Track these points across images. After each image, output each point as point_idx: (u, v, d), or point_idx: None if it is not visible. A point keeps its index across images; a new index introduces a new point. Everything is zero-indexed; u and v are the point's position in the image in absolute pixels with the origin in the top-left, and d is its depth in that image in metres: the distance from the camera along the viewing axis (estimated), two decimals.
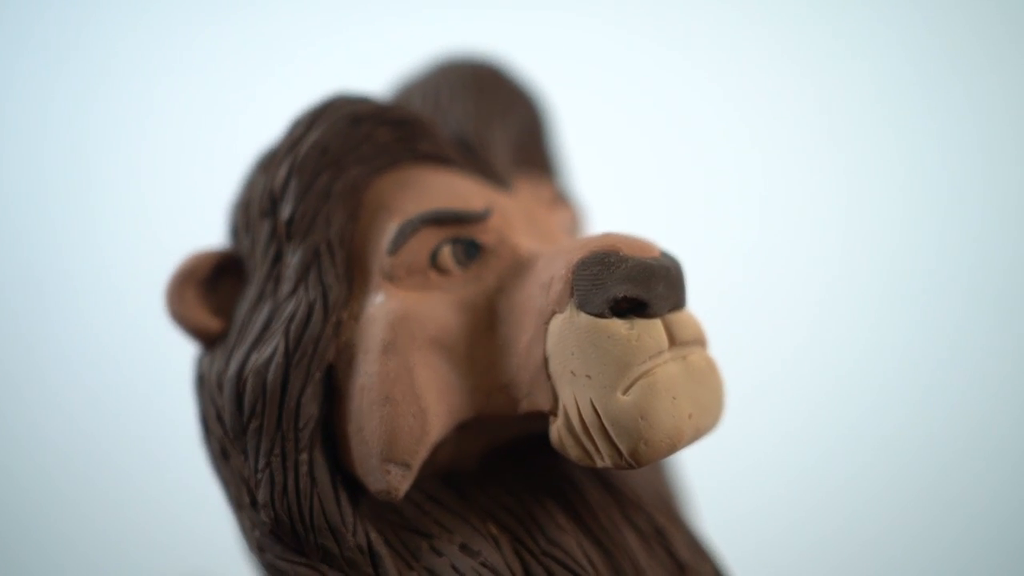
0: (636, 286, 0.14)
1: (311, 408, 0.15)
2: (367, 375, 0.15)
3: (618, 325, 0.14)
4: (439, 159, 0.17)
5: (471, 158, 0.17)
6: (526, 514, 0.16)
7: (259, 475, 0.15)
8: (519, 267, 0.16)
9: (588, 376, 0.14)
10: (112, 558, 0.52)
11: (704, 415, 0.15)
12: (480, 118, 0.18)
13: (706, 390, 0.15)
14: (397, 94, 0.19)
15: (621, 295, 0.14)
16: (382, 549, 0.15)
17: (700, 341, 0.15)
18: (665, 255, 0.15)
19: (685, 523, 0.17)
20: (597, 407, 0.14)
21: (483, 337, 0.16)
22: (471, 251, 0.16)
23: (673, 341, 0.15)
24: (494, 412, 0.15)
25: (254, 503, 0.15)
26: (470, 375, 0.15)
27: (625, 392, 0.14)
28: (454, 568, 0.15)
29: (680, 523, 0.17)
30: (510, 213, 0.17)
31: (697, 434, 0.15)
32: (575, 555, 0.15)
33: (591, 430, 0.14)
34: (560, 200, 0.18)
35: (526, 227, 0.17)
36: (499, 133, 0.18)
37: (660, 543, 0.16)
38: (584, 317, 0.14)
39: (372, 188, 0.16)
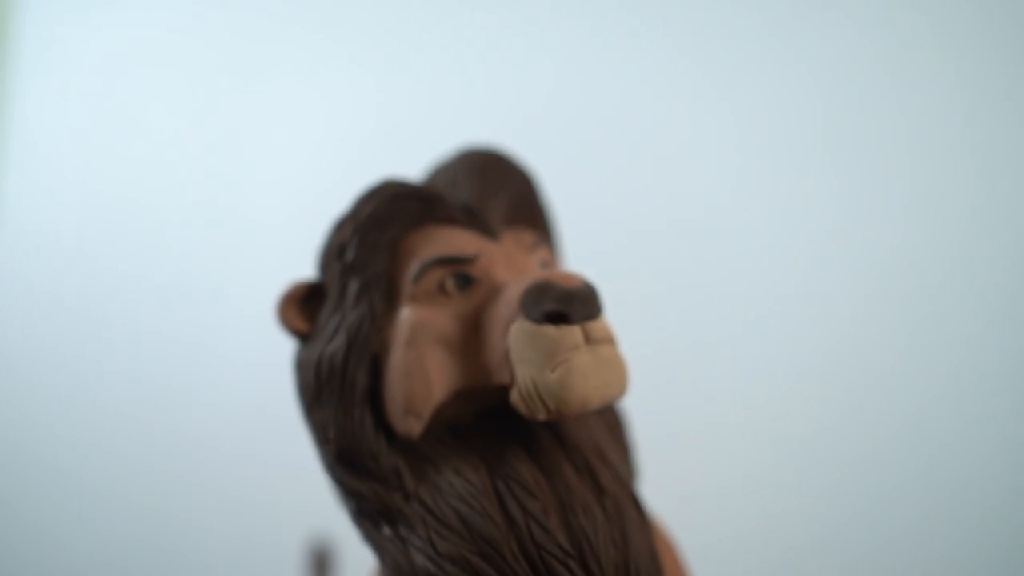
0: (560, 303, 0.23)
1: (362, 380, 0.24)
2: (396, 359, 0.24)
3: (549, 329, 0.23)
4: (450, 220, 0.26)
5: (473, 219, 0.26)
6: (498, 451, 0.24)
7: (329, 422, 0.24)
8: (495, 291, 0.25)
9: (530, 361, 0.23)
10: (250, 521, 0.63)
11: (608, 388, 0.23)
12: (480, 192, 0.27)
13: (610, 371, 0.23)
14: (430, 173, 0.28)
15: (550, 309, 0.23)
16: (404, 469, 0.24)
17: (609, 340, 0.23)
18: (585, 284, 0.23)
19: (615, 466, 0.25)
20: (535, 381, 0.23)
21: (472, 336, 0.24)
22: (465, 281, 0.25)
23: (588, 339, 0.23)
24: (478, 384, 0.24)
25: (327, 440, 0.24)
26: (462, 360, 0.24)
27: (552, 371, 0.22)
28: (448, 482, 0.23)
29: (609, 464, 0.25)
30: (495, 256, 0.25)
31: (604, 400, 0.23)
32: (527, 477, 0.23)
33: (532, 395, 0.23)
34: (538, 244, 0.27)
35: (505, 265, 0.25)
36: (493, 202, 0.27)
37: (588, 474, 0.24)
38: (528, 324, 0.23)
39: (406, 240, 0.25)
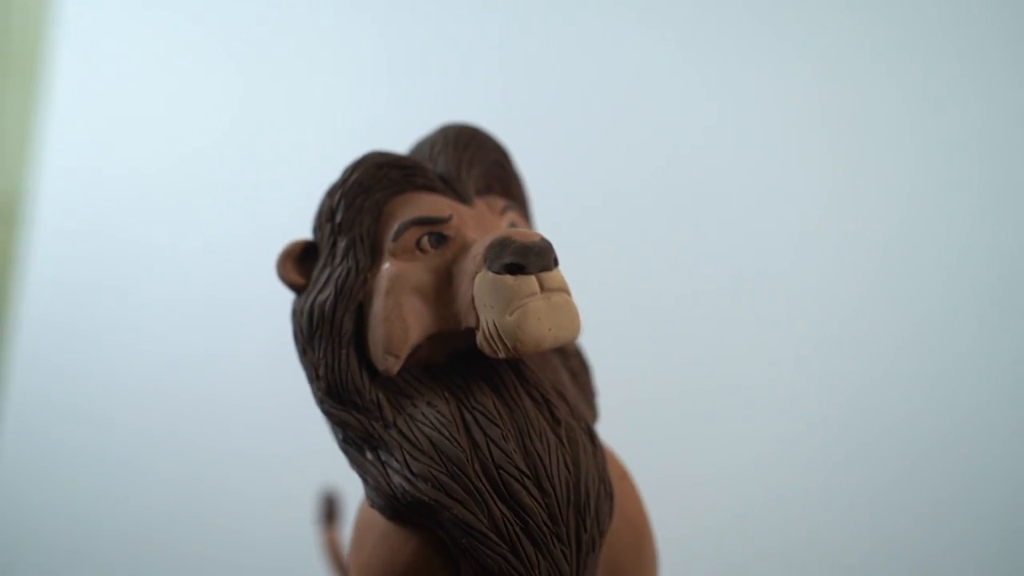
0: (517, 256, 0.26)
1: (348, 325, 0.28)
2: (377, 307, 0.28)
3: (507, 278, 0.26)
4: (428, 187, 0.29)
5: (448, 186, 0.30)
6: (466, 387, 0.28)
7: (320, 361, 0.28)
8: (465, 248, 0.28)
9: (491, 307, 0.26)
10: (263, 475, 0.67)
11: (561, 330, 0.26)
12: (456, 162, 0.30)
13: (563, 315, 0.26)
14: (413, 146, 0.32)
15: (509, 261, 0.26)
16: (384, 402, 0.28)
17: (562, 288, 0.27)
18: (542, 239, 0.27)
19: (572, 403, 0.29)
20: (496, 323, 0.26)
21: (444, 287, 0.28)
22: (440, 239, 0.28)
23: (543, 288, 0.26)
24: (449, 328, 0.28)
25: (318, 377, 0.28)
26: (436, 308, 0.28)
27: (510, 315, 0.26)
28: (422, 413, 0.27)
29: (567, 401, 0.28)
30: (466, 217, 0.29)
31: (556, 340, 0.26)
32: (490, 409, 0.27)
33: (493, 336, 0.26)
34: (509, 208, 0.31)
35: (476, 225, 0.29)
36: (467, 172, 0.30)
37: (546, 407, 0.28)
38: (490, 274, 0.26)
39: (389, 204, 0.29)
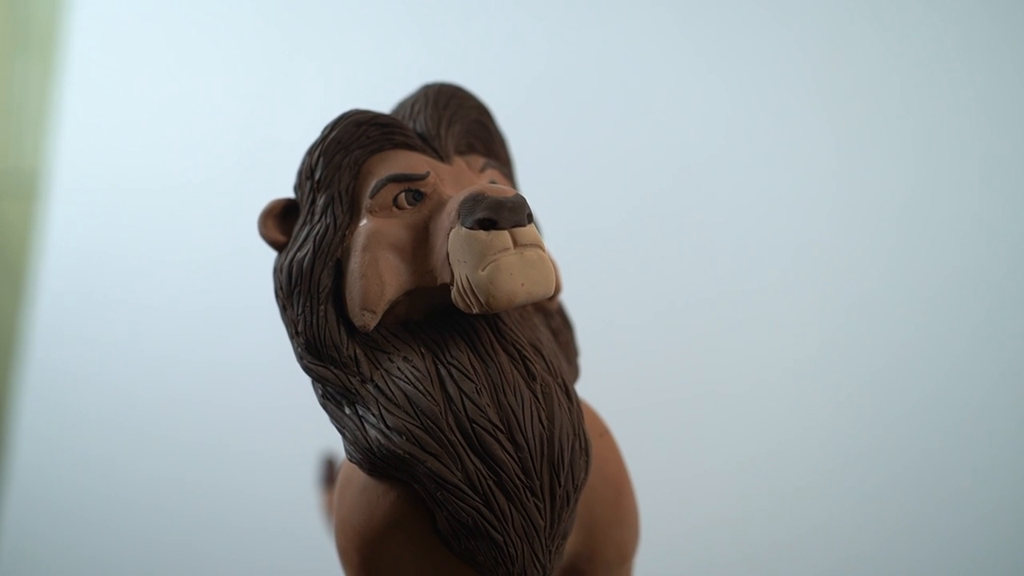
0: (490, 211, 0.26)
1: (326, 281, 0.28)
2: (354, 263, 0.28)
3: (480, 233, 0.26)
4: (407, 145, 0.30)
5: (427, 144, 0.30)
6: (442, 343, 0.28)
7: (298, 317, 0.28)
8: (441, 205, 0.28)
9: (464, 262, 0.26)
10: (266, 440, 0.68)
11: (534, 285, 0.26)
12: (436, 121, 0.30)
13: (535, 271, 0.27)
14: (396, 105, 0.32)
15: (481, 216, 0.26)
16: (362, 358, 0.28)
17: (535, 244, 0.27)
18: (515, 195, 0.27)
19: (549, 360, 0.29)
20: (469, 278, 0.26)
21: (421, 243, 0.28)
22: (417, 196, 0.29)
23: (516, 243, 0.26)
24: (425, 284, 0.28)
25: (297, 333, 0.28)
26: (412, 264, 0.28)
27: (483, 270, 0.26)
28: (398, 368, 0.27)
29: (543, 358, 0.28)
30: (444, 175, 0.29)
31: (529, 296, 0.26)
32: (465, 364, 0.27)
33: (467, 291, 0.26)
34: (488, 167, 0.31)
35: (453, 183, 0.29)
36: (447, 130, 0.30)
37: (522, 363, 0.28)
38: (464, 229, 0.27)
39: (367, 162, 0.29)
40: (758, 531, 0.58)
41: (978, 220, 0.56)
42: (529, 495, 0.26)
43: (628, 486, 0.30)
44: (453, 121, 0.31)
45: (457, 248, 0.27)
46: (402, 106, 0.32)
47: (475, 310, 0.26)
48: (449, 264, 0.27)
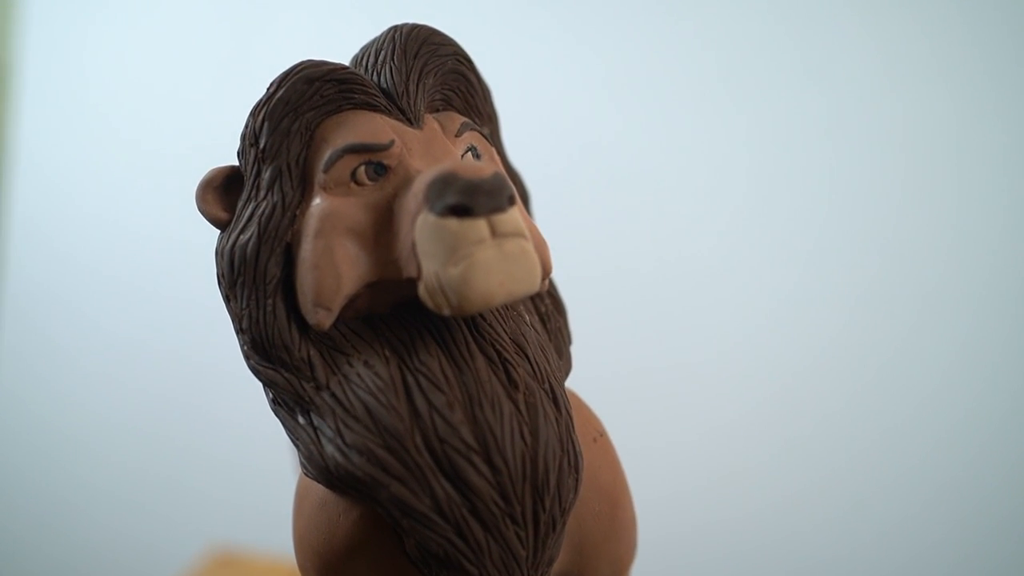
0: (463, 196, 0.22)
1: (274, 270, 0.24)
2: (305, 251, 0.24)
3: (451, 222, 0.22)
4: (369, 105, 0.25)
5: (393, 104, 0.25)
6: (410, 343, 0.24)
7: (243, 312, 0.24)
8: (408, 181, 0.24)
9: (434, 255, 0.22)
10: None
11: (514, 283, 0.22)
12: (403, 73, 0.25)
13: (517, 266, 0.22)
14: (359, 52, 0.27)
15: (453, 202, 0.22)
16: (316, 360, 0.24)
17: (518, 234, 0.22)
18: (494, 175, 0.22)
19: (534, 360, 0.25)
20: (439, 276, 0.22)
21: (384, 227, 0.24)
22: (379, 170, 0.24)
23: (494, 233, 0.22)
24: (390, 277, 0.24)
25: (242, 330, 0.24)
26: (374, 252, 0.24)
27: (454, 267, 0.22)
28: (358, 374, 0.23)
29: (528, 359, 0.24)
30: (412, 143, 0.24)
31: (509, 296, 0.22)
32: (435, 371, 0.23)
33: (436, 290, 0.22)
34: (467, 128, 0.26)
35: (423, 153, 0.24)
36: (415, 85, 0.25)
37: (502, 368, 0.24)
38: (432, 216, 0.22)
39: (321, 127, 0.25)
40: (728, 501, 0.58)
41: (967, 207, 0.56)
42: (509, 523, 0.23)
43: (624, 496, 0.27)
44: (425, 73, 0.26)
45: (425, 239, 0.22)
46: (366, 53, 0.27)
47: (446, 312, 0.22)
48: (416, 256, 0.23)
